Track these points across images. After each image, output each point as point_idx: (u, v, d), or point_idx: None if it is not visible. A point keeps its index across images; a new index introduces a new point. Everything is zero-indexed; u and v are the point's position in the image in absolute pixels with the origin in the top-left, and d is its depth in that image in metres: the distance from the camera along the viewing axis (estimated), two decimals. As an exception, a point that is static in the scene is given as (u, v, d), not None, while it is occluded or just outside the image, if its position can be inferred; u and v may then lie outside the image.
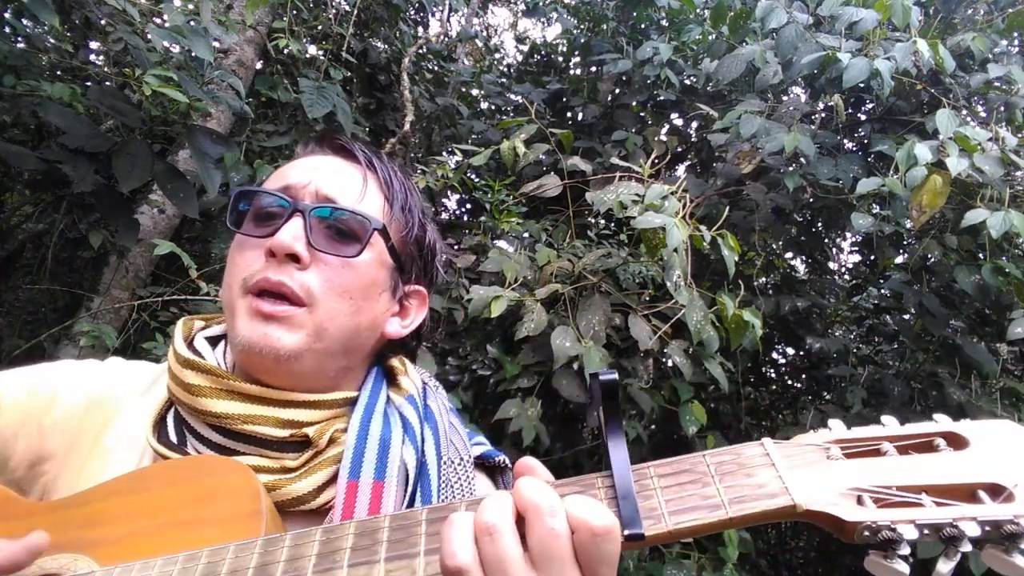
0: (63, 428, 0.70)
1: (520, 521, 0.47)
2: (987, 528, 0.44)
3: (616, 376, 0.53)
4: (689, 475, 0.50)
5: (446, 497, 0.69)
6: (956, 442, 0.50)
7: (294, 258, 0.66)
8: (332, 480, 0.66)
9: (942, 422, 0.52)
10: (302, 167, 0.74)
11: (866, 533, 0.45)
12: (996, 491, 0.46)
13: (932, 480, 0.47)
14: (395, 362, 0.80)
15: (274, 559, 0.51)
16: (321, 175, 0.72)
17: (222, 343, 0.76)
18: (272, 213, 0.69)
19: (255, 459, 0.65)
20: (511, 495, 0.48)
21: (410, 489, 0.68)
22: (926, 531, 0.45)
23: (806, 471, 0.49)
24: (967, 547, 0.44)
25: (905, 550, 0.45)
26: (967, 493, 0.46)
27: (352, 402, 0.72)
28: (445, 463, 0.71)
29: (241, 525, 0.57)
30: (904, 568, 0.44)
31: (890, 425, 0.52)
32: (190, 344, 0.73)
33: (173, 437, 0.68)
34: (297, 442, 0.67)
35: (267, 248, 0.67)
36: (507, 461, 0.81)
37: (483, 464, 0.79)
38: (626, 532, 0.47)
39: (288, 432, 0.66)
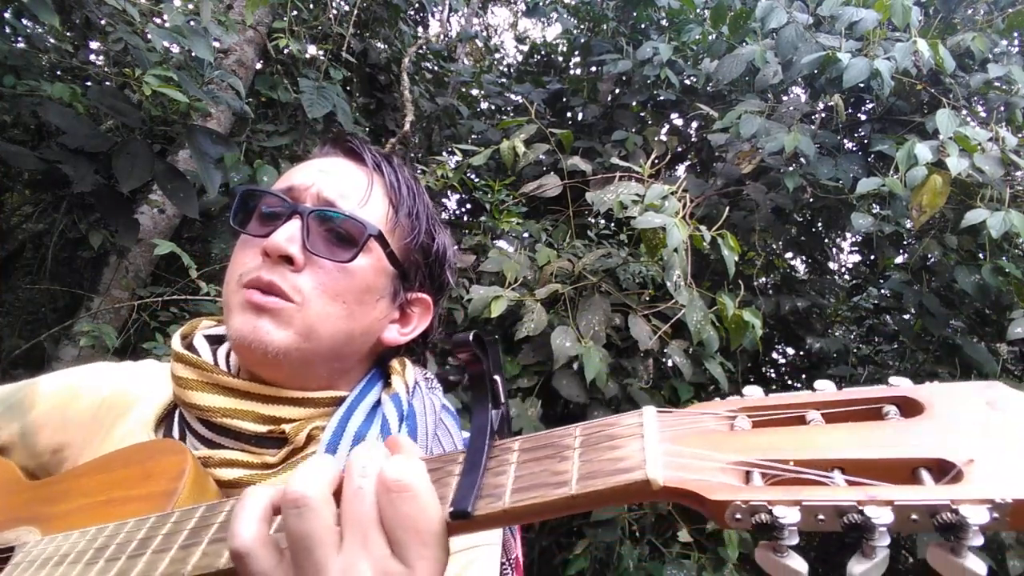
0: (82, 419, 0.75)
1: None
2: (913, 517, 0.33)
3: (468, 336, 0.46)
4: (551, 449, 0.44)
5: None
6: (910, 409, 0.40)
7: (288, 260, 0.67)
8: None
9: (901, 386, 0.41)
10: (309, 169, 0.74)
11: (738, 516, 0.36)
12: (943, 469, 0.36)
13: (854, 454, 0.37)
14: (394, 363, 0.80)
15: (157, 533, 0.53)
16: (326, 178, 0.72)
17: (226, 343, 0.77)
18: (273, 214, 0.70)
19: (236, 453, 0.66)
20: (327, 459, 0.45)
21: None
22: (820, 516, 0.34)
23: (685, 444, 0.40)
24: (883, 540, 0.34)
25: (794, 539, 0.35)
26: (905, 470, 0.36)
27: (341, 401, 0.72)
28: None
29: (155, 503, 0.59)
30: (799, 565, 0.35)
31: (824, 390, 0.43)
32: (189, 341, 0.75)
33: (176, 432, 0.70)
34: (276, 438, 0.67)
35: (262, 248, 0.67)
36: None
37: None
38: (450, 509, 0.42)
39: (266, 428, 0.67)
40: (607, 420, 0.44)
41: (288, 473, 0.65)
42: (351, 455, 0.44)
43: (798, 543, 0.35)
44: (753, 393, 0.44)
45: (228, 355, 0.75)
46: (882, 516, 0.33)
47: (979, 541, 0.32)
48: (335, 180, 0.72)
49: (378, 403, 0.74)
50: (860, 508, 0.34)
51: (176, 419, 0.72)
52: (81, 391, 0.77)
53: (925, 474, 0.36)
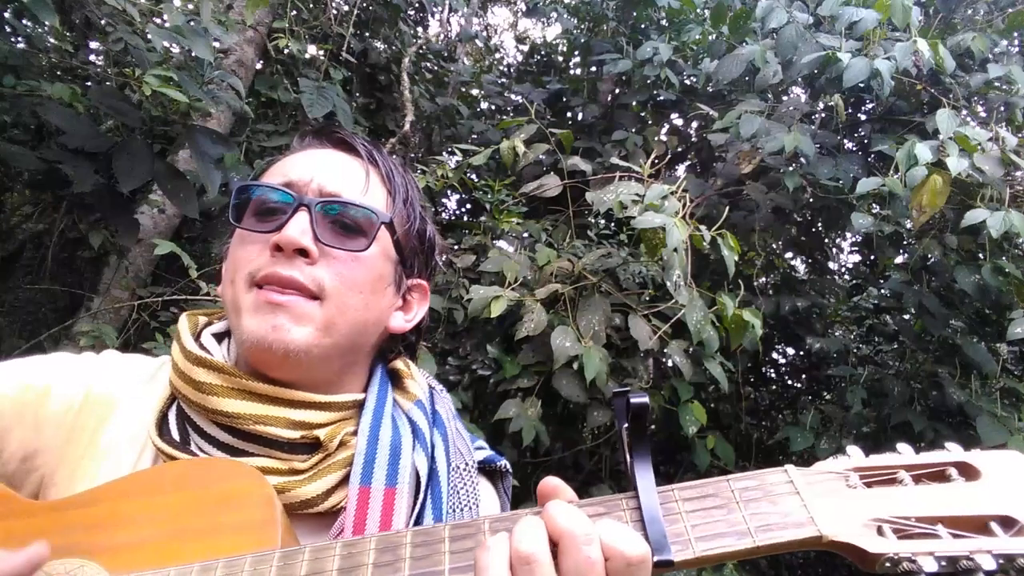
0: (58, 422, 0.68)
1: (553, 546, 0.47)
2: (1001, 561, 0.45)
3: (647, 400, 0.53)
4: (715, 500, 0.51)
5: (454, 502, 0.69)
6: (968, 472, 0.51)
7: (302, 253, 0.65)
8: (341, 483, 0.66)
9: (954, 451, 0.53)
10: (302, 162, 0.72)
11: (887, 564, 0.46)
12: (1008, 523, 0.47)
13: (947, 511, 0.48)
14: (400, 364, 0.79)
15: (293, 572, 0.50)
16: (323, 170, 0.71)
17: (227, 340, 0.74)
18: (275, 208, 0.68)
19: (264, 460, 0.64)
20: (543, 520, 0.48)
21: (421, 495, 0.67)
22: (943, 563, 0.46)
23: (829, 500, 0.50)
24: None
25: None
26: (980, 524, 0.47)
27: (359, 405, 0.71)
28: (453, 469, 0.71)
29: (256, 534, 0.55)
30: None
31: (906, 454, 0.53)
32: (197, 340, 0.71)
33: (176, 435, 0.67)
34: (306, 444, 0.66)
35: (273, 243, 0.65)
36: (508, 466, 0.81)
37: (484, 469, 0.79)
38: (656, 558, 0.47)
39: (299, 434, 0.65)
40: (752, 475, 0.52)
41: (326, 477, 0.65)
42: (567, 523, 0.47)
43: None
44: (856, 454, 0.54)
45: (228, 351, 0.73)
46: (985, 562, 0.45)
47: None
48: (334, 172, 0.71)
49: (393, 406, 0.74)
50: (971, 556, 0.45)
51: (173, 420, 0.68)
52: (52, 390, 0.68)
53: (996, 527, 0.47)
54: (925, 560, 0.45)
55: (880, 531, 0.48)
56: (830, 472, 0.52)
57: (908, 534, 0.47)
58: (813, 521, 0.48)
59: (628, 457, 0.53)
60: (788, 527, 0.48)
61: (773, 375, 4.62)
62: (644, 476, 0.52)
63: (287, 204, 0.67)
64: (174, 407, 0.69)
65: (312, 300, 0.66)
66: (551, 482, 0.53)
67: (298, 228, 0.65)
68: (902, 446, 0.54)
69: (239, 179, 2.70)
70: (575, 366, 2.45)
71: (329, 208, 0.68)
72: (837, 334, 4.22)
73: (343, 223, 0.68)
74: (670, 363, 2.75)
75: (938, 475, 0.51)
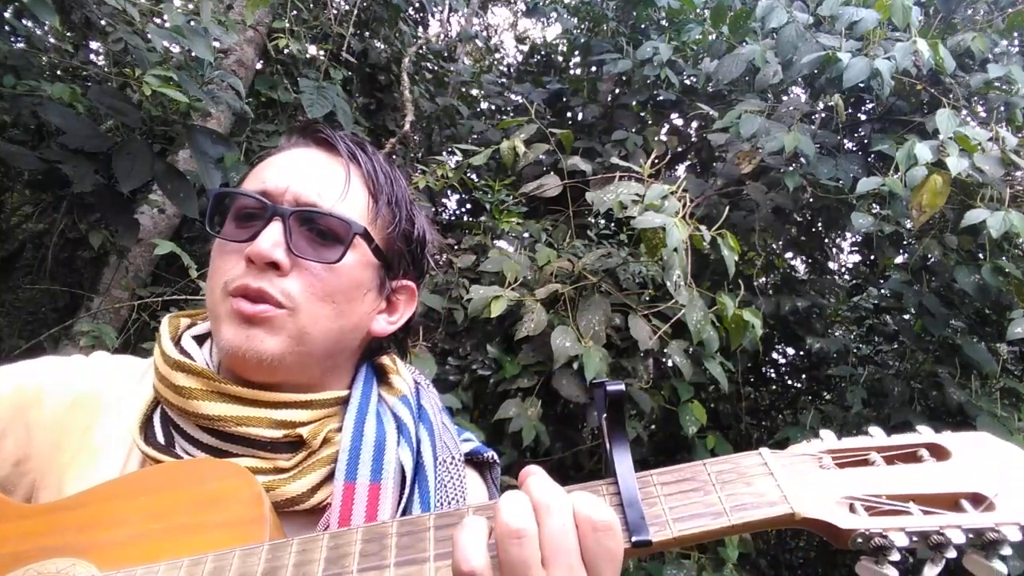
0: (49, 426, 0.68)
1: None
2: (971, 535, 0.47)
3: (623, 387, 0.55)
4: (691, 483, 0.53)
5: (441, 497, 0.69)
6: (939, 453, 0.54)
7: (274, 265, 0.65)
8: (326, 480, 0.66)
9: (925, 433, 0.55)
10: (281, 167, 0.71)
11: (859, 540, 0.48)
12: (978, 500, 0.49)
13: (918, 489, 0.50)
14: (386, 360, 0.79)
15: (281, 564, 0.51)
16: (301, 176, 0.69)
17: (208, 341, 0.74)
18: (252, 214, 0.68)
19: (248, 460, 0.65)
20: (525, 496, 0.49)
21: (407, 491, 0.67)
22: (915, 538, 0.48)
23: (801, 480, 0.52)
24: (952, 553, 0.47)
25: (895, 556, 0.48)
26: (951, 502, 0.50)
27: (343, 401, 0.71)
28: (440, 463, 0.71)
29: (244, 530, 0.56)
30: (894, 573, 0.48)
31: (877, 436, 0.56)
32: (177, 344, 0.71)
33: (160, 438, 0.67)
34: (290, 443, 0.66)
35: (245, 254, 0.65)
36: (495, 457, 0.81)
37: (471, 460, 0.79)
38: (634, 539, 0.49)
39: (282, 433, 0.66)
40: (727, 458, 0.55)
41: (311, 475, 0.65)
42: (542, 494, 0.48)
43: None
44: (829, 437, 0.56)
45: (211, 355, 0.73)
46: (955, 536, 0.47)
47: (1008, 552, 0.47)
48: (310, 178, 0.69)
49: (378, 402, 0.74)
50: (942, 531, 0.47)
51: (158, 423, 0.68)
52: (43, 394, 0.69)
53: (966, 503, 0.49)
54: (896, 535, 0.47)
55: (852, 508, 0.50)
56: (803, 454, 0.54)
57: (879, 511, 0.49)
58: (786, 499, 0.50)
59: (608, 444, 0.55)
60: (762, 506, 0.51)
61: (773, 375, 4.62)
62: (622, 462, 0.53)
63: (262, 212, 0.67)
64: (159, 410, 0.69)
65: (283, 310, 0.65)
66: (531, 469, 0.53)
67: (270, 240, 0.65)
68: (874, 429, 0.56)
69: (239, 180, 2.69)
70: (575, 366, 2.44)
71: (303, 217, 0.67)
72: (837, 334, 4.22)
73: (319, 231, 0.68)
74: (670, 363, 2.74)
75: (909, 456, 0.54)
